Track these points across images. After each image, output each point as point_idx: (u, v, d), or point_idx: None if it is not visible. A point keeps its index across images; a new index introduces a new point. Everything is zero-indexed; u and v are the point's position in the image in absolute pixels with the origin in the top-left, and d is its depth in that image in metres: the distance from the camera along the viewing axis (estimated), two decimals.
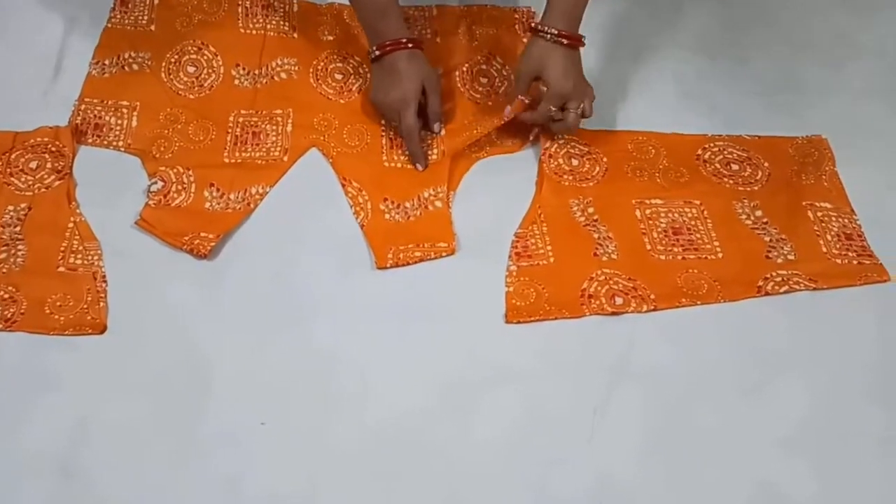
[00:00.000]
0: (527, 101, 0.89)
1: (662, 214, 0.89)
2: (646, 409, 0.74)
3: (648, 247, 0.86)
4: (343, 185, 0.90)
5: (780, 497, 0.70)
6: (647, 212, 0.89)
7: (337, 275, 0.82)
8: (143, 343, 0.76)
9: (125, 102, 0.95)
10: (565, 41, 0.83)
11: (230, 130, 0.94)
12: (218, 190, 0.88)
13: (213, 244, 0.83)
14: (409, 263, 0.84)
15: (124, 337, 0.77)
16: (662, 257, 0.86)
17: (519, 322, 0.80)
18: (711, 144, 0.96)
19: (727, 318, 0.81)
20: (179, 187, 0.88)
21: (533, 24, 0.86)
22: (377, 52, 0.87)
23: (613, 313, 0.81)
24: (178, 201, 0.87)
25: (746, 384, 0.76)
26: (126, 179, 0.89)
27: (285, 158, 0.91)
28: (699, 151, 0.96)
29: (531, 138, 0.94)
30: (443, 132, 0.90)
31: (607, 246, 0.86)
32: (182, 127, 0.93)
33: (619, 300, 0.81)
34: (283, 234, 0.85)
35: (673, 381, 0.76)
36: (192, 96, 0.96)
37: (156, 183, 0.88)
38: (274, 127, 0.94)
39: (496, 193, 0.90)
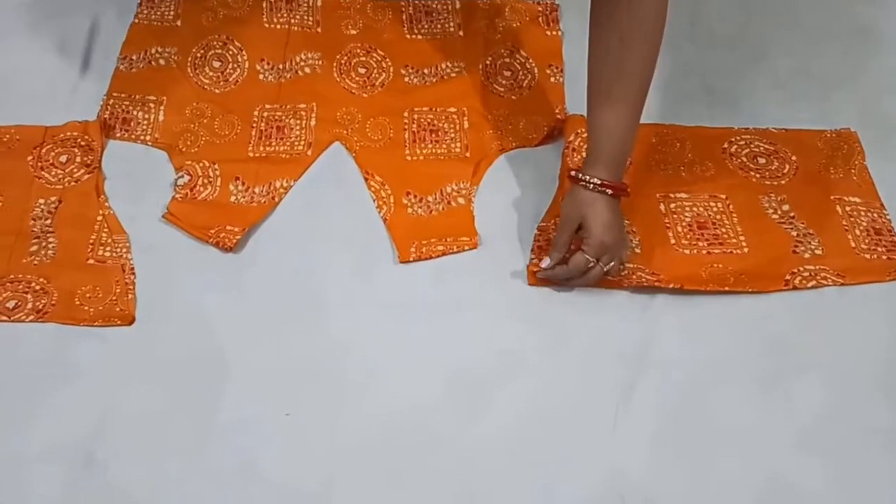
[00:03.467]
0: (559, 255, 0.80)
1: (687, 208, 0.88)
2: (662, 404, 0.74)
3: (673, 241, 0.85)
4: (366, 179, 0.90)
5: (793, 490, 0.69)
6: (672, 206, 0.88)
7: (359, 268, 0.82)
8: (168, 334, 0.77)
9: (152, 97, 0.96)
10: (609, 191, 0.77)
11: (255, 125, 0.94)
12: (243, 184, 0.89)
13: (238, 237, 0.83)
14: (431, 257, 0.83)
15: (150, 328, 0.78)
16: (687, 251, 0.85)
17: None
18: (738, 138, 0.95)
19: (746, 314, 0.80)
20: (205, 181, 0.89)
21: (572, 173, 0.78)
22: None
23: (637, 286, 0.80)
24: (205, 195, 0.88)
25: (764, 380, 0.75)
26: (153, 173, 0.89)
27: (309, 152, 0.92)
28: (725, 145, 0.94)
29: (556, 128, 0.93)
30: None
31: (631, 240, 0.85)
32: (208, 121, 0.94)
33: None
34: (307, 228, 0.85)
35: (691, 375, 0.76)
36: (217, 91, 0.97)
37: (182, 177, 0.89)
38: (298, 121, 0.95)
39: (519, 187, 0.90)
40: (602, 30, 0.75)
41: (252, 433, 0.71)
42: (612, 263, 0.78)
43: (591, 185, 0.77)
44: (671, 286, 0.80)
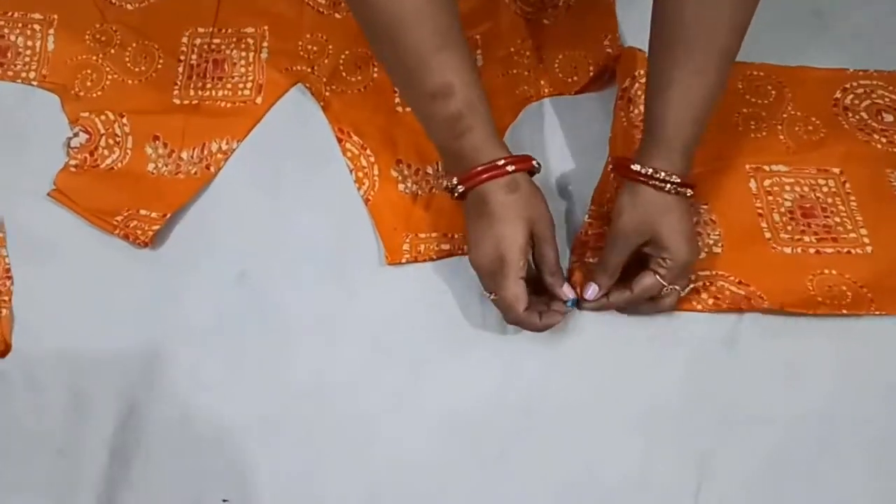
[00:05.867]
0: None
1: (787, 188, 0.69)
2: (748, 479, 0.58)
3: (768, 235, 0.67)
4: (340, 141, 0.72)
5: None
6: (766, 183, 0.70)
7: (330, 271, 0.66)
8: (56, 366, 0.61)
9: (37, 16, 0.78)
10: (689, 191, 0.60)
11: (183, 58, 0.77)
12: (165, 146, 0.72)
13: (157, 226, 0.67)
14: (431, 259, 0.65)
15: (34, 357, 0.62)
16: (788, 250, 0.66)
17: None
18: (855, 84, 0.75)
19: (866, 343, 0.62)
20: (111, 141, 0.72)
21: (634, 167, 0.59)
22: (460, 188, 0.59)
23: (720, 307, 0.62)
24: (110, 161, 0.71)
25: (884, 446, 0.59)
26: (38, 128, 0.73)
27: (258, 100, 0.75)
28: (837, 94, 0.75)
29: (594, 72, 0.73)
30: (572, 296, 0.60)
31: (708, 234, 0.66)
32: (117, 52, 0.77)
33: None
34: (255, 212, 0.69)
35: (786, 437, 0.59)
36: (130, 7, 0.81)
37: (78, 135, 0.72)
38: (243, 53, 0.77)
39: (554, 153, 0.73)
40: None
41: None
42: (690, 286, 0.62)
43: (669, 187, 0.59)
44: (766, 307, 0.62)
